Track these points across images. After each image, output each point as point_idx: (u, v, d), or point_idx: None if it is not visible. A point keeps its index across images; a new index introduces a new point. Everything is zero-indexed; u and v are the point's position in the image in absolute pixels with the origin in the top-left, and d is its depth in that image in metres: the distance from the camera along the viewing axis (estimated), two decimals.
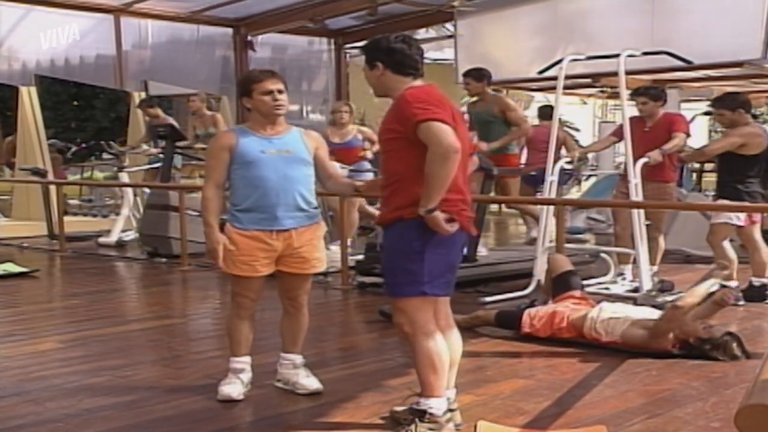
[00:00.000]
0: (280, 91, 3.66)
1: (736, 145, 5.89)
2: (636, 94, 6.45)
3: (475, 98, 7.71)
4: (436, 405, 3.16)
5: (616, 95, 11.12)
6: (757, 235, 6.04)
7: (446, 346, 3.20)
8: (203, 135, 9.85)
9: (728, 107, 6.00)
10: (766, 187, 6.00)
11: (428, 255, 3.07)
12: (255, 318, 3.85)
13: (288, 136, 3.71)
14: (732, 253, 6.00)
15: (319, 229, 3.80)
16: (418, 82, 3.19)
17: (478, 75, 7.45)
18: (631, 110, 6.46)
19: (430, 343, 3.14)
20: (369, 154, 8.31)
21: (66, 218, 9.88)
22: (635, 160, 6.34)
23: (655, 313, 4.72)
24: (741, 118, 5.98)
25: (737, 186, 5.90)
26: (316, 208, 3.79)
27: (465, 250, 4.51)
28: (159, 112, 10.34)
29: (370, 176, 8.40)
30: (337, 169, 4.01)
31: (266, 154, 3.61)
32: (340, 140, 8.23)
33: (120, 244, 9.59)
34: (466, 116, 7.32)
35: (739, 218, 5.94)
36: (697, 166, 10.21)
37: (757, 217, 6.10)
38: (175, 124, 10.15)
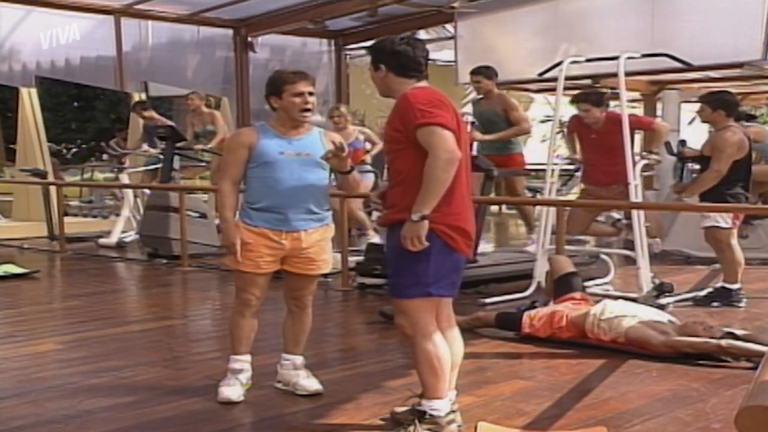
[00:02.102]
0: (310, 94, 3.66)
1: (734, 156, 5.84)
2: (577, 100, 6.37)
3: (479, 96, 7.70)
4: (437, 406, 3.16)
5: (616, 96, 11.12)
6: (734, 239, 6.00)
7: (447, 348, 3.19)
8: (202, 133, 9.86)
9: (710, 105, 5.96)
10: (748, 189, 5.98)
11: (434, 256, 3.06)
12: (258, 317, 3.85)
13: (308, 138, 3.70)
14: (740, 255, 5.97)
15: (328, 231, 3.79)
16: (422, 84, 3.19)
17: (488, 73, 7.42)
18: (631, 111, 6.46)
19: (430, 345, 3.13)
20: (368, 157, 8.30)
21: (66, 219, 9.88)
22: (587, 164, 6.44)
23: (660, 314, 4.72)
24: (719, 120, 5.92)
25: (720, 188, 5.87)
26: (328, 210, 3.79)
27: None
28: (153, 113, 10.37)
29: (371, 177, 8.43)
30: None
31: (284, 156, 3.61)
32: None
33: (120, 245, 9.59)
34: (470, 117, 7.35)
35: (726, 221, 5.91)
36: (697, 167, 10.20)
37: (739, 220, 6.07)
38: (169, 123, 10.17)
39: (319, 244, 3.73)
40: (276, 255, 3.67)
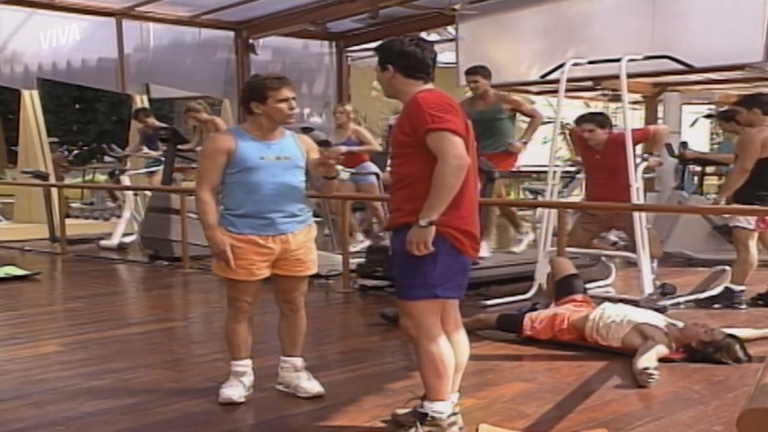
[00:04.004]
0: (294, 99, 3.67)
1: (758, 153, 5.76)
2: (582, 120, 6.33)
3: (470, 96, 7.63)
4: (439, 408, 3.17)
5: (617, 98, 11.13)
6: (753, 241, 5.96)
7: (451, 350, 3.20)
8: (207, 139, 9.85)
9: (745, 105, 5.97)
10: None
11: (441, 258, 3.06)
12: (253, 321, 3.85)
13: (284, 142, 3.71)
14: (753, 258, 5.95)
15: (312, 231, 3.81)
16: (429, 86, 3.18)
17: (485, 72, 7.31)
18: (632, 114, 6.45)
19: (434, 347, 3.14)
20: (343, 149, 8.02)
21: (67, 221, 9.89)
22: (590, 183, 6.48)
23: (659, 318, 4.71)
24: (754, 119, 5.90)
25: (748, 189, 5.83)
26: (308, 211, 3.81)
27: None
28: (154, 121, 10.41)
29: (372, 179, 8.42)
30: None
31: (265, 160, 3.61)
32: (338, 141, 8.26)
33: (121, 247, 9.59)
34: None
35: (750, 222, 5.89)
36: (698, 168, 10.21)
37: (765, 223, 6.04)
38: (166, 126, 10.20)
39: (306, 245, 3.75)
40: (268, 260, 3.67)
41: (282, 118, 3.64)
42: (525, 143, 7.36)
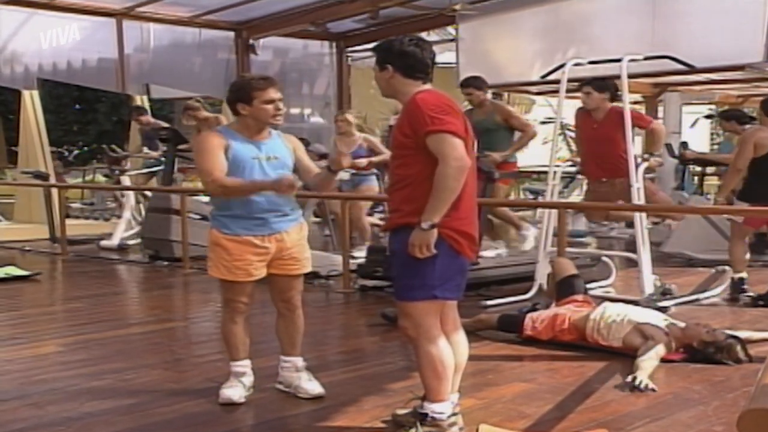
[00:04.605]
0: (280, 100, 3.66)
1: (752, 152, 5.85)
2: (582, 84, 6.35)
3: (471, 106, 7.64)
4: (439, 409, 3.17)
5: (618, 98, 11.11)
6: (740, 236, 6.07)
7: (450, 351, 3.19)
8: None
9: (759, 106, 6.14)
10: None
11: (440, 259, 3.06)
12: (253, 321, 3.85)
13: (272, 142, 3.72)
14: (741, 251, 6.00)
15: (303, 228, 3.83)
16: (428, 86, 3.18)
17: (478, 83, 7.29)
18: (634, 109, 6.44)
19: (434, 348, 3.13)
20: (363, 162, 8.09)
21: (67, 221, 9.88)
22: (585, 158, 6.45)
23: (659, 317, 4.71)
24: (762, 119, 6.08)
25: (756, 189, 5.89)
26: (299, 209, 3.82)
27: None
28: (149, 118, 10.39)
29: (373, 179, 8.41)
30: (313, 164, 3.98)
31: (257, 161, 3.62)
32: (347, 150, 8.21)
33: (121, 248, 9.59)
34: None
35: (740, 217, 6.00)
36: (698, 169, 10.21)
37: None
38: (165, 124, 10.20)
39: (300, 243, 3.76)
40: (264, 260, 3.68)
41: (268, 119, 3.63)
42: (503, 157, 7.11)
